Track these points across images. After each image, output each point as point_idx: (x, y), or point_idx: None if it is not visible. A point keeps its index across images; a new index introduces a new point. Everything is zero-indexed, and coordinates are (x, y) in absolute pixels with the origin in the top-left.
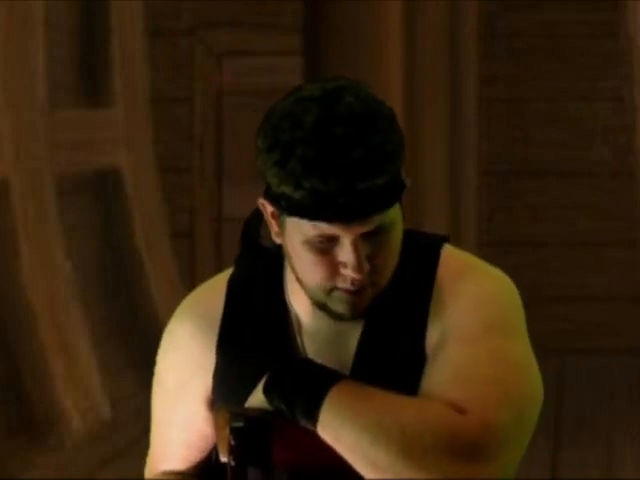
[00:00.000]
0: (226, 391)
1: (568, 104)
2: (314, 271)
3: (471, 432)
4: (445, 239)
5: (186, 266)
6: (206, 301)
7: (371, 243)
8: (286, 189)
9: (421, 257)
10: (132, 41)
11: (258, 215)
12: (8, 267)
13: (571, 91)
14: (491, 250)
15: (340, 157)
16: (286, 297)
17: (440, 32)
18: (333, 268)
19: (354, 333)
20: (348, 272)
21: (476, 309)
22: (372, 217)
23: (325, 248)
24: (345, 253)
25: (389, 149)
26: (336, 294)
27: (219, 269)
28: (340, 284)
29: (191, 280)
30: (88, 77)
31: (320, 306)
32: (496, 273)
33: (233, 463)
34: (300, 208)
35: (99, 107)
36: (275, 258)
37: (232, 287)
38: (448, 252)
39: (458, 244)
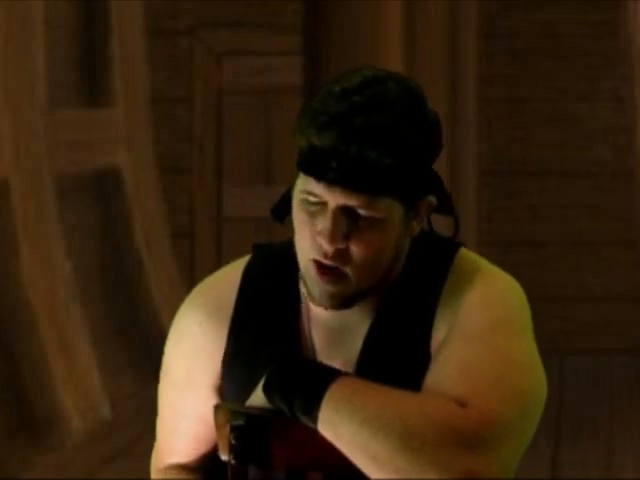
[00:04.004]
0: (234, 382)
1: (568, 104)
2: (301, 234)
3: (471, 424)
4: (462, 245)
5: (186, 266)
6: (219, 289)
7: (353, 224)
8: (297, 138)
9: (436, 257)
10: (132, 41)
11: (288, 194)
12: (8, 267)
13: (571, 91)
14: (491, 250)
15: (344, 119)
16: (300, 289)
17: (440, 32)
18: (313, 235)
19: (362, 328)
20: (321, 240)
21: (483, 308)
22: (358, 192)
23: (313, 212)
24: (324, 219)
25: (395, 134)
26: (312, 270)
27: (219, 269)
28: (313, 254)
29: (191, 280)
30: (88, 77)
31: (305, 286)
32: (504, 275)
33: (233, 461)
34: (300, 159)
35: (99, 107)
36: (293, 251)
37: (247, 276)
38: (463, 255)
39: None
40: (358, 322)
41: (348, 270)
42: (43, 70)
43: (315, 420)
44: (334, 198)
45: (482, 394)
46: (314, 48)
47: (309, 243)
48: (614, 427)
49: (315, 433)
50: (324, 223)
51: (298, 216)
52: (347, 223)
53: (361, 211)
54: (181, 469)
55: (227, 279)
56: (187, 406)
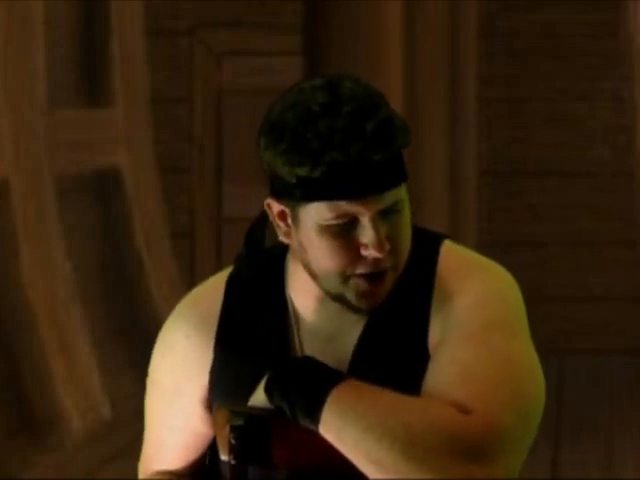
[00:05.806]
0: (223, 389)
1: (568, 104)
2: (333, 258)
3: (474, 433)
4: (446, 237)
5: (186, 266)
6: (204, 301)
7: (388, 222)
8: (302, 171)
9: (421, 253)
10: (132, 41)
11: (263, 218)
12: (8, 267)
13: (571, 91)
14: (491, 250)
15: (354, 130)
16: (287, 295)
17: (440, 32)
18: (353, 253)
19: (354, 332)
20: (369, 252)
21: (480, 307)
22: (388, 192)
23: (343, 232)
24: (366, 232)
25: (398, 123)
26: (353, 282)
27: (219, 269)
28: (360, 269)
29: (191, 280)
30: (88, 77)
31: (337, 298)
32: (498, 269)
33: (233, 462)
34: (319, 188)
35: (99, 107)
36: (276, 258)
37: (231, 285)
38: (448, 248)
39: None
40: (349, 324)
41: (393, 261)
42: (43, 70)
43: (317, 422)
44: (368, 208)
45: (484, 399)
46: (314, 48)
47: (347, 261)
48: (614, 427)
49: (315, 433)
50: (366, 235)
51: (325, 245)
52: (383, 224)
53: (391, 207)
54: (168, 474)
55: (212, 290)
56: (176, 417)
